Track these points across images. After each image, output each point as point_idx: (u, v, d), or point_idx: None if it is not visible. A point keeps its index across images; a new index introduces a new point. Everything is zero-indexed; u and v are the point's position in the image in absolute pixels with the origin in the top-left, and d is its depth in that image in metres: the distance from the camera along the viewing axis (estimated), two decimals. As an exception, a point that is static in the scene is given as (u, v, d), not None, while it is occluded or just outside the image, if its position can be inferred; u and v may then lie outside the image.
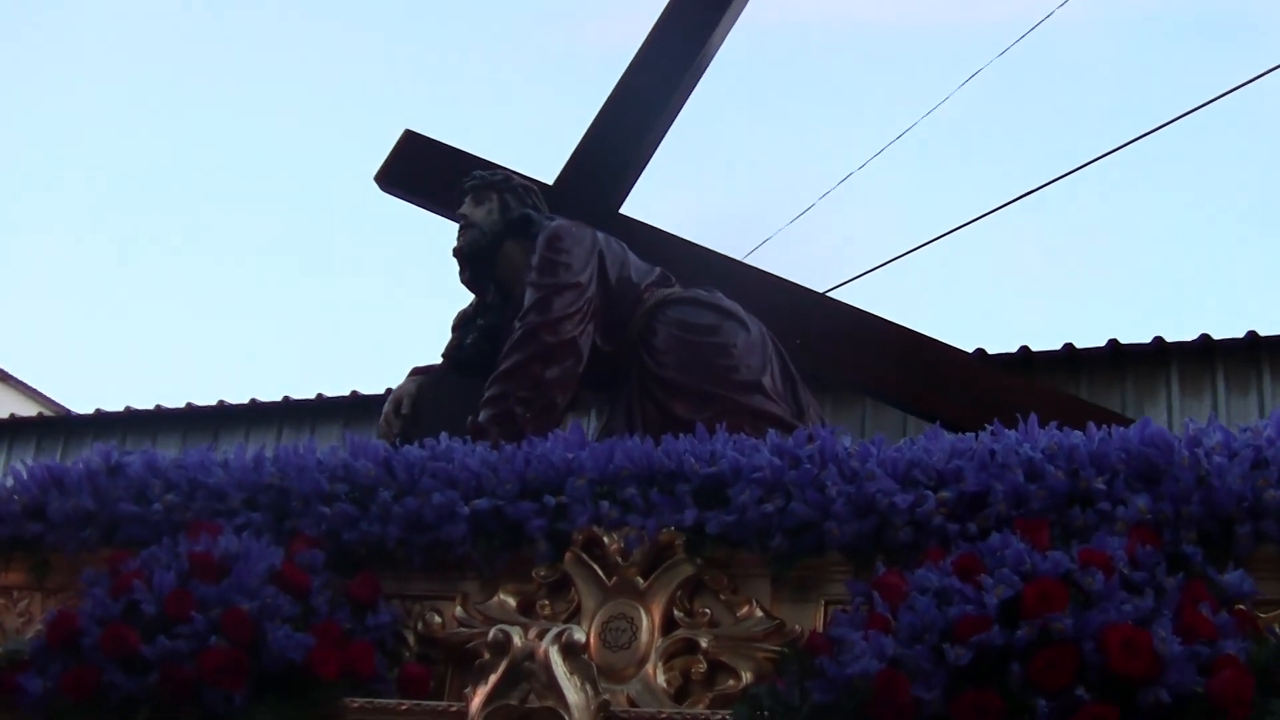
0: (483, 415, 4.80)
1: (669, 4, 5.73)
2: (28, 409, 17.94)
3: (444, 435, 4.21)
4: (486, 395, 4.86)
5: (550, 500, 3.89)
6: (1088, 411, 4.79)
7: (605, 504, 3.85)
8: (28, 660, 3.67)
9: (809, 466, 3.79)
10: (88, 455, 4.32)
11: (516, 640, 3.39)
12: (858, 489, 3.70)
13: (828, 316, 5.34)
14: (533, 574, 3.88)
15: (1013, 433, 3.85)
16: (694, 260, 5.40)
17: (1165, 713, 3.07)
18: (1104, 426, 3.79)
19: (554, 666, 3.36)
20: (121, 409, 11.31)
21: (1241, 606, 3.35)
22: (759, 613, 3.71)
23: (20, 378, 27.38)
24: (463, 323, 5.25)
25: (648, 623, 3.75)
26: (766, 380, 4.90)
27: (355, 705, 3.55)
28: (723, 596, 3.77)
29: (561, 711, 3.34)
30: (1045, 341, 9.55)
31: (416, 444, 4.21)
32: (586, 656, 3.42)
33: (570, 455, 3.98)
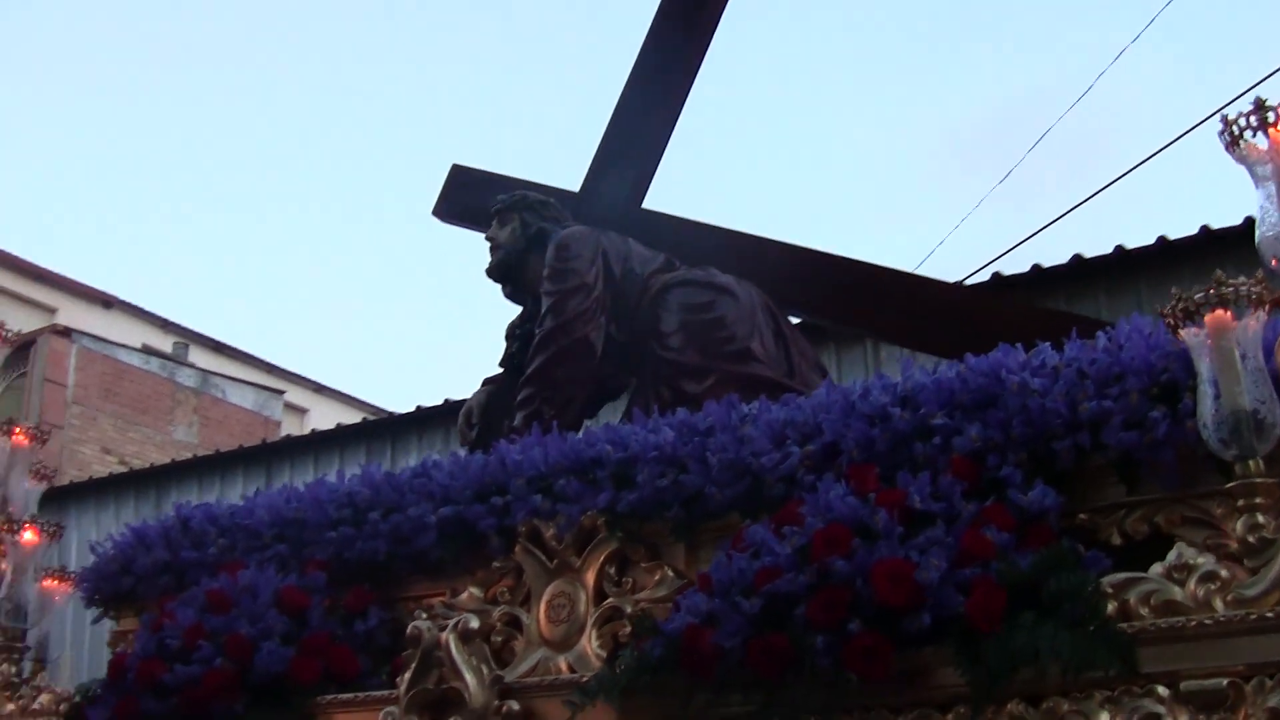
0: (517, 418, 5.35)
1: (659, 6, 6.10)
2: (352, 417, 19.44)
3: (428, 455, 4.78)
4: (518, 398, 5.40)
5: (497, 500, 4.41)
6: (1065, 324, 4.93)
7: (538, 498, 4.34)
8: (96, 695, 4.46)
9: (697, 439, 4.19)
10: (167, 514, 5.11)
11: (426, 632, 3.94)
12: (735, 453, 4.08)
13: (822, 271, 5.62)
14: (492, 566, 4.42)
15: (884, 379, 4.14)
16: (708, 238, 5.77)
17: (929, 635, 3.37)
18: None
19: (453, 651, 3.90)
20: (440, 402, 11.87)
21: (1045, 523, 3.57)
22: (671, 574, 4.14)
23: (342, 389, 29.25)
24: (511, 333, 5.79)
25: (584, 596, 4.24)
26: (756, 345, 5.26)
27: (324, 701, 4.18)
28: (643, 565, 4.21)
29: (462, 690, 3.88)
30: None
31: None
32: (480, 640, 3.92)
33: (517, 457, 4.49)
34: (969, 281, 9.06)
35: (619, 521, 4.21)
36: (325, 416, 25.54)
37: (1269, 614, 3.08)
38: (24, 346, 22.92)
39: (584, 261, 5.44)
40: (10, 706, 4.72)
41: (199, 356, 27.28)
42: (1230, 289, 3.30)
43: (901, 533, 3.51)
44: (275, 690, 4.21)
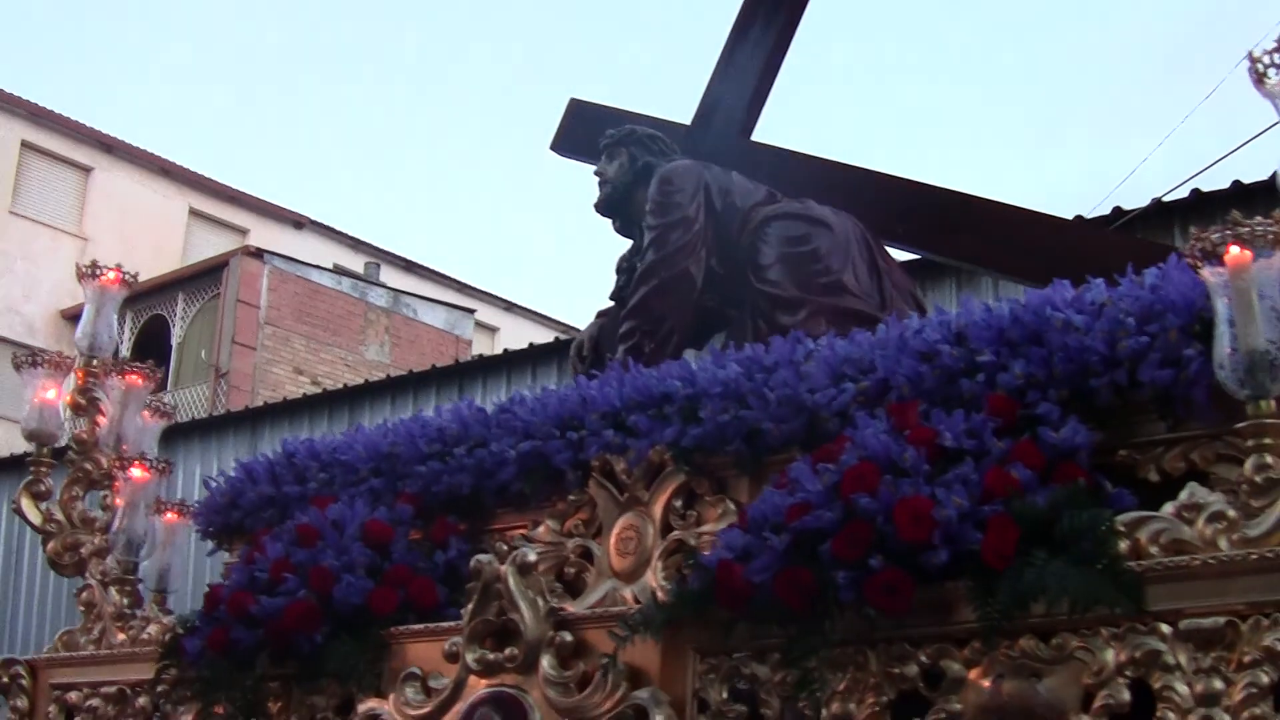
0: (619, 351, 5.48)
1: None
2: (543, 335, 19.66)
3: (516, 390, 4.95)
4: (620, 331, 5.54)
5: (573, 435, 4.57)
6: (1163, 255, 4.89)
7: (609, 433, 4.48)
8: (194, 626, 4.74)
9: (760, 374, 4.29)
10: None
11: (486, 566, 4.12)
12: (793, 389, 4.17)
13: (920, 202, 5.63)
14: (568, 500, 4.58)
15: (942, 315, 4.19)
16: (810, 170, 5.81)
17: (949, 570, 3.44)
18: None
19: (511, 584, 4.07)
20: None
21: (1074, 461, 3.60)
22: (733, 508, 4.25)
23: (533, 308, 29.38)
24: (620, 266, 5.91)
25: (651, 529, 4.38)
26: (849, 278, 5.30)
27: (398, 632, 4.40)
28: (708, 499, 4.33)
29: (518, 621, 4.06)
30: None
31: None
32: (537, 573, 4.09)
33: (593, 392, 4.63)
34: (1169, 198, 9.01)
35: (685, 456, 4.32)
36: (516, 335, 25.99)
37: (1269, 553, 3.09)
38: (217, 268, 23.76)
39: (686, 195, 5.52)
40: (121, 636, 5.04)
41: (390, 276, 27.89)
42: (1247, 229, 3.28)
43: (928, 470, 3.56)
44: (356, 621, 4.42)
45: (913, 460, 3.59)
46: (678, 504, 4.34)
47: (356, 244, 29.49)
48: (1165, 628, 3.18)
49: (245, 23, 65.67)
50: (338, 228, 29.29)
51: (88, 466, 5.37)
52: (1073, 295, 3.88)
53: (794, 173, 5.80)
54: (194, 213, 29.23)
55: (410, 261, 30.07)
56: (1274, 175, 3.56)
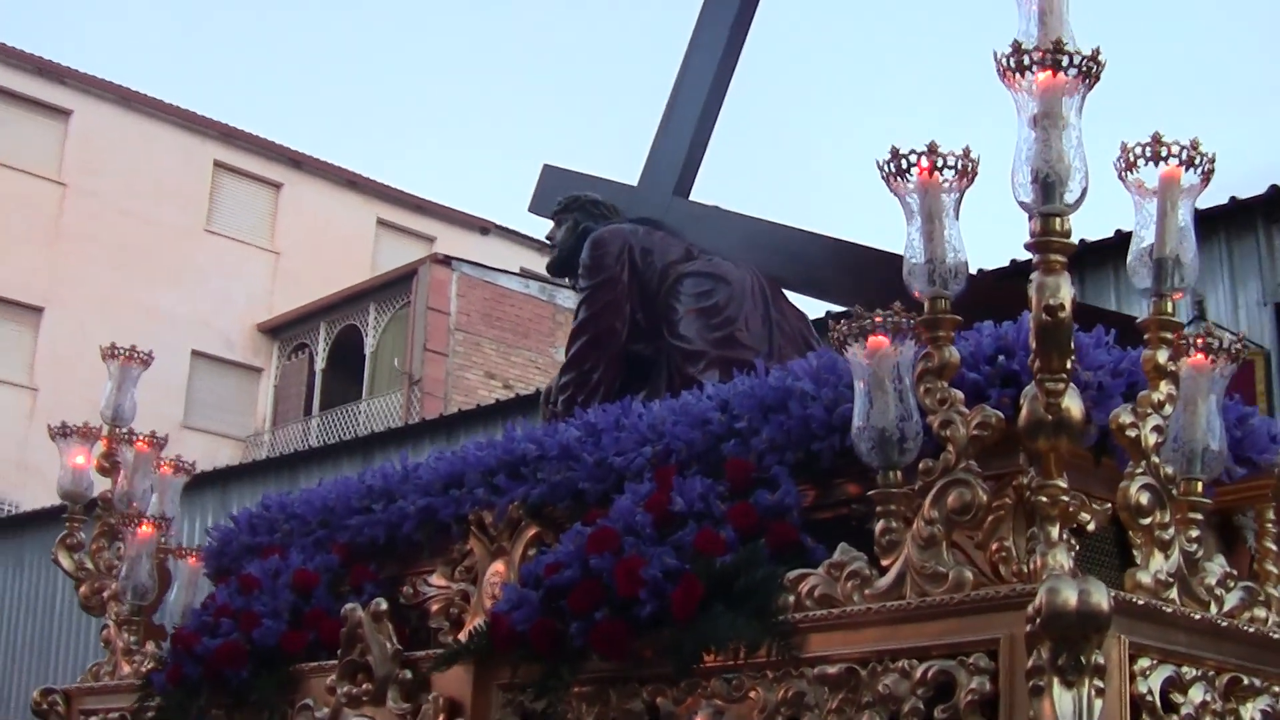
0: (559, 402, 6.11)
1: (702, 9, 6.65)
2: None
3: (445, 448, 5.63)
4: (560, 383, 6.16)
5: (455, 493, 5.23)
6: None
7: (480, 490, 5.13)
8: (165, 661, 5.54)
9: (590, 439, 4.88)
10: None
11: (352, 613, 4.82)
12: (605, 453, 4.76)
13: (829, 255, 6.06)
14: (455, 549, 5.24)
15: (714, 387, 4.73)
16: (734, 226, 6.32)
17: (653, 621, 4.01)
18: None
19: (365, 627, 4.77)
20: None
21: (785, 520, 4.12)
22: (568, 556, 4.85)
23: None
24: None
25: (514, 575, 5.00)
26: (741, 330, 5.81)
27: (303, 668, 5.13)
28: (553, 546, 4.94)
29: (371, 660, 4.75)
30: None
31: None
32: (386, 619, 4.76)
33: (476, 454, 5.28)
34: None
35: (535, 510, 4.93)
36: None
37: (886, 606, 3.60)
38: (407, 277, 24.69)
39: (611, 257, 6.10)
40: (127, 668, 5.89)
41: (577, 276, 28.26)
42: (879, 320, 3.75)
43: (652, 534, 4.13)
44: (273, 659, 5.16)
45: (642, 524, 4.15)
46: (532, 553, 4.94)
47: (542, 247, 30.05)
48: (811, 671, 3.70)
49: (422, 37, 67.88)
50: (523, 231, 29.92)
51: (111, 521, 6.24)
52: (815, 366, 4.36)
53: (722, 228, 6.31)
54: (382, 223, 30.25)
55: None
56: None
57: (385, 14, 67.64)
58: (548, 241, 6.58)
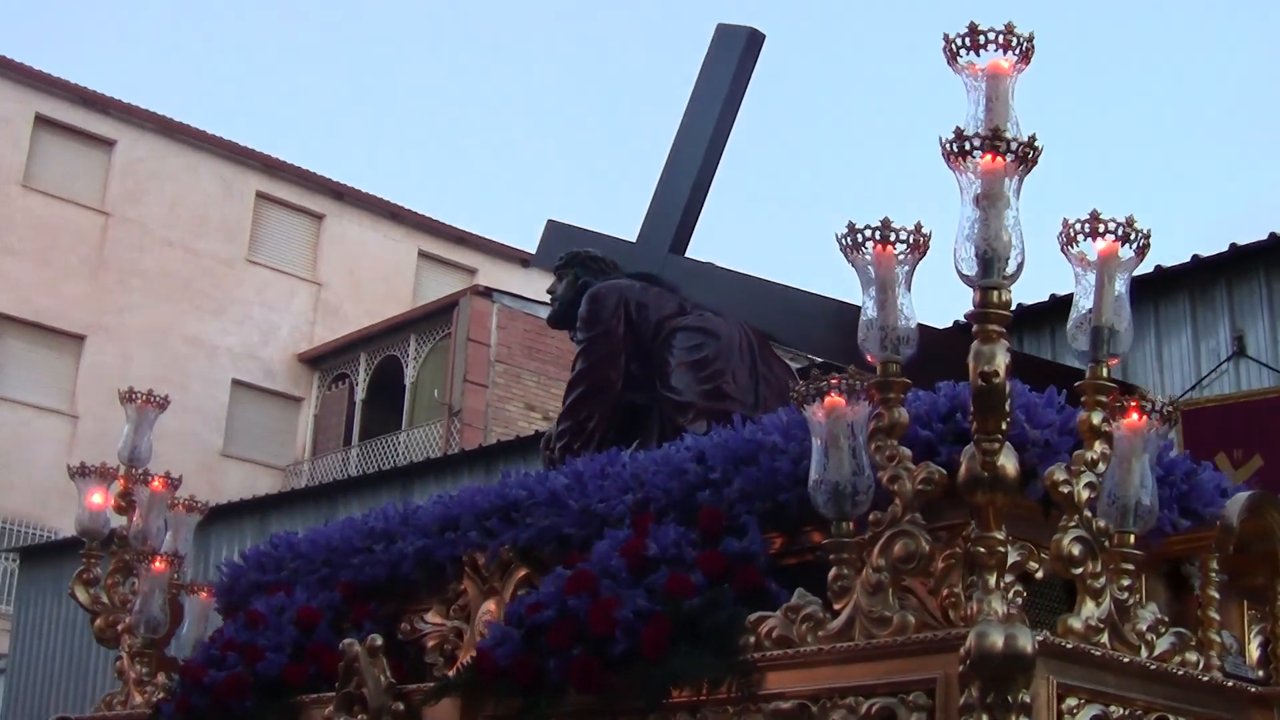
0: (557, 449, 6.42)
1: (699, 75, 6.99)
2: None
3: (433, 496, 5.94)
4: (557, 430, 6.47)
5: (451, 535, 5.53)
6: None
7: (473, 534, 5.43)
8: (174, 692, 5.85)
9: (577, 487, 5.18)
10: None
11: (349, 648, 5.12)
12: (589, 501, 5.07)
13: (818, 311, 6.37)
14: (450, 588, 5.54)
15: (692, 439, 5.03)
16: (725, 283, 6.64)
17: (625, 659, 4.30)
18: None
19: (361, 661, 5.07)
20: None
21: (751, 566, 4.41)
22: (555, 596, 5.15)
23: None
24: None
25: (502, 613, 5.31)
26: (728, 384, 6.11)
27: (303, 700, 5.43)
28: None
29: (366, 693, 5.04)
30: None
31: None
32: (381, 654, 5.06)
33: (474, 498, 5.58)
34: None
35: (524, 553, 5.24)
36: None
37: (837, 646, 3.89)
38: (447, 308, 24.88)
39: (608, 311, 6.42)
40: (139, 698, 6.20)
41: (616, 310, 28.42)
42: (835, 381, 4.04)
43: (627, 577, 4.43)
44: (275, 689, 5.47)
45: (617, 568, 4.45)
46: (521, 593, 5.23)
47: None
48: (768, 706, 3.99)
49: (464, 70, 68.65)
50: (563, 265, 29.99)
51: (126, 557, 6.56)
52: (786, 421, 4.66)
53: (714, 284, 6.63)
54: (423, 254, 30.39)
55: (637, 296, 30.78)
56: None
57: (427, 48, 68.43)
58: (549, 294, 6.89)
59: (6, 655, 19.72)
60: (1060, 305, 10.25)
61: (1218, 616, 4.58)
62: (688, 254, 6.92)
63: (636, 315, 6.44)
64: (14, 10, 53.91)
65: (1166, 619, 4.15)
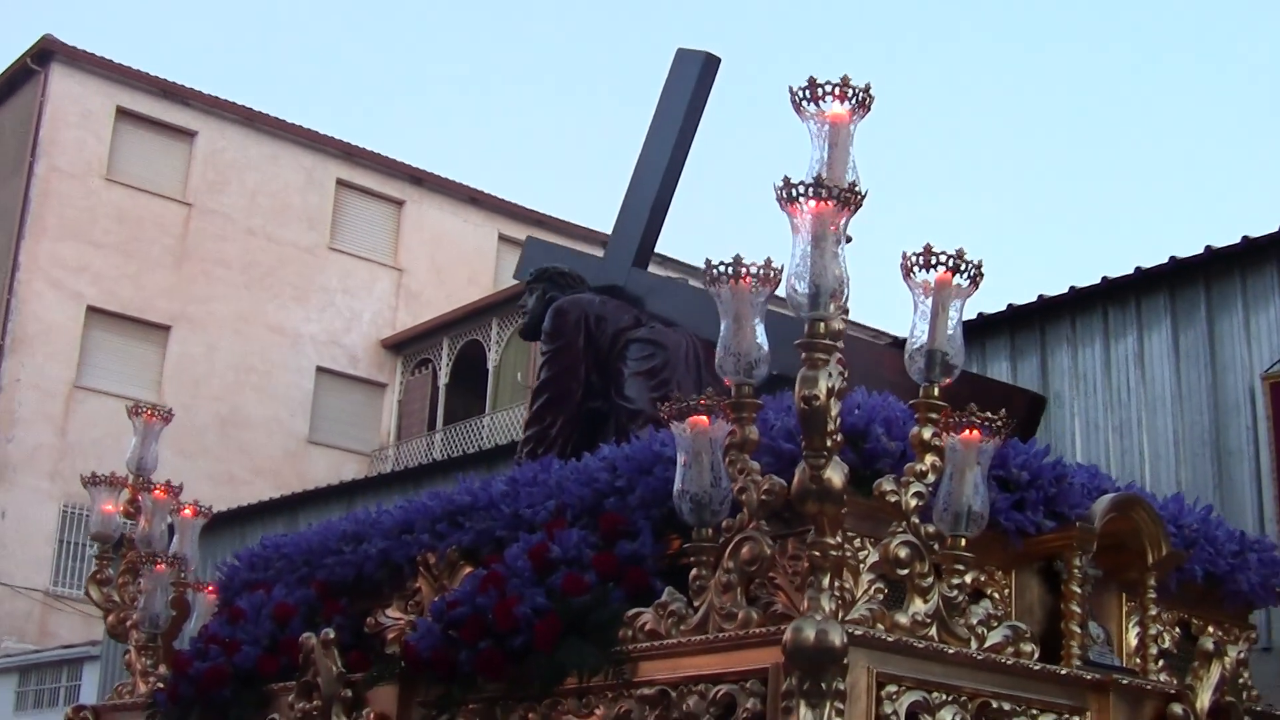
0: (522, 454, 6.93)
1: (660, 98, 7.47)
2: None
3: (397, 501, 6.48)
4: (523, 437, 6.99)
5: (406, 538, 6.07)
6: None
7: (425, 536, 5.96)
8: (168, 682, 6.44)
9: (509, 492, 5.70)
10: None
11: (307, 641, 5.67)
12: (516, 506, 5.58)
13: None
14: (407, 587, 6.08)
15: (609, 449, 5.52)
16: (679, 296, 7.13)
17: (524, 650, 4.81)
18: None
19: (316, 653, 5.61)
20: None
21: (640, 567, 4.90)
22: (494, 594, 5.67)
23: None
24: None
25: (442, 608, 5.83)
26: (675, 393, 6.53)
27: (277, 688, 5.98)
28: (483, 586, 5.76)
29: (319, 681, 5.59)
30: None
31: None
32: (333, 646, 5.60)
33: (429, 503, 6.11)
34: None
35: (468, 554, 5.76)
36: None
37: (693, 639, 4.38)
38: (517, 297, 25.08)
39: (569, 325, 6.93)
40: (143, 688, 6.79)
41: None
42: (702, 402, 4.52)
43: (531, 577, 4.94)
44: (251, 679, 6.03)
45: (523, 569, 4.96)
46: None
47: (664, 260, 30.11)
48: (638, 693, 4.48)
49: (542, 55, 69.17)
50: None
51: (134, 559, 7.17)
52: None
53: (671, 297, 7.12)
54: (503, 238, 30.38)
55: (718, 272, 30.76)
56: None
57: (504, 34, 69.09)
58: (520, 308, 7.40)
59: (100, 642, 20.27)
60: (1049, 305, 10.62)
61: (1079, 610, 5.01)
62: (649, 269, 7.39)
63: (596, 328, 6.93)
64: (94, 4, 54.98)
65: (1000, 614, 4.58)
